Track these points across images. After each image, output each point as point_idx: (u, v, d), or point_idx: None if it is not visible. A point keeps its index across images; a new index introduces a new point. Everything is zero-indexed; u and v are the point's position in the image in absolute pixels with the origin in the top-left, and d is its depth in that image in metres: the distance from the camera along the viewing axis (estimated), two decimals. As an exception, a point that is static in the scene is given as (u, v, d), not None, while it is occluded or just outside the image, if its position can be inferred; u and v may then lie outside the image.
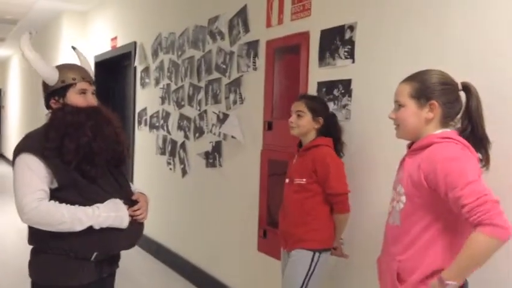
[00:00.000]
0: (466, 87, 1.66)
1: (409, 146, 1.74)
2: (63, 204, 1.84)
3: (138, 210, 1.98)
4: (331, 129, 2.40)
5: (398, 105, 1.70)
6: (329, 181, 2.28)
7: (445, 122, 1.67)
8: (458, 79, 1.68)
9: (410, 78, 1.69)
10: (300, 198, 2.34)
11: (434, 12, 2.09)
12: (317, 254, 2.30)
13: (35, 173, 1.82)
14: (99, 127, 1.92)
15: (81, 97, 1.96)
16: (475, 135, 1.63)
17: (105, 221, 1.86)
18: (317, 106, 2.39)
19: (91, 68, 2.13)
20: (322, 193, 2.32)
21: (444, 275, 1.48)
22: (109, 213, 1.87)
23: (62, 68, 1.99)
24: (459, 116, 1.67)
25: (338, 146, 2.42)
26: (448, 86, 1.65)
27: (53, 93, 1.96)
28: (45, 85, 1.98)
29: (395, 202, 1.70)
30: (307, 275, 2.28)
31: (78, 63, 2.13)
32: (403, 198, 1.65)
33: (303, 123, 2.37)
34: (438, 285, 1.49)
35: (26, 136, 1.95)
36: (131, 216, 1.94)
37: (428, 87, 1.64)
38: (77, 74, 1.98)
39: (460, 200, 1.47)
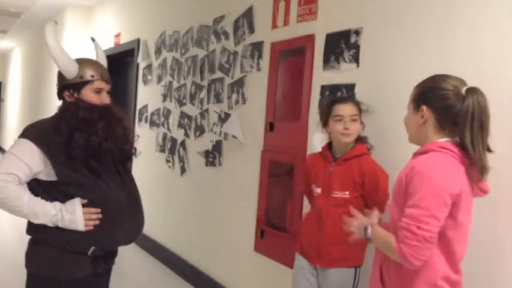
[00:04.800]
0: (467, 92, 1.55)
1: None
2: (28, 194, 1.84)
3: (94, 214, 1.87)
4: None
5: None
6: (378, 194, 2.11)
7: (447, 128, 1.59)
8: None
9: (418, 84, 1.69)
10: (341, 213, 2.04)
11: (440, 18, 2.10)
12: (358, 270, 2.17)
13: (22, 161, 1.81)
14: (111, 127, 1.93)
15: (96, 95, 1.95)
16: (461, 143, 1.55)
17: (59, 221, 1.84)
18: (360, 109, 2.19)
19: (106, 63, 2.12)
20: (363, 207, 2.11)
21: (373, 231, 1.63)
22: (64, 214, 1.84)
23: (82, 63, 1.96)
24: None
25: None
26: (444, 92, 1.57)
27: (68, 86, 1.95)
28: (61, 76, 1.96)
29: (389, 200, 1.72)
30: None
31: (94, 57, 2.11)
32: (390, 196, 1.67)
33: (358, 129, 2.16)
34: (363, 230, 1.65)
35: (34, 124, 1.95)
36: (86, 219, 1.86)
37: (423, 93, 1.63)
38: (96, 71, 1.96)
39: (403, 215, 1.53)
